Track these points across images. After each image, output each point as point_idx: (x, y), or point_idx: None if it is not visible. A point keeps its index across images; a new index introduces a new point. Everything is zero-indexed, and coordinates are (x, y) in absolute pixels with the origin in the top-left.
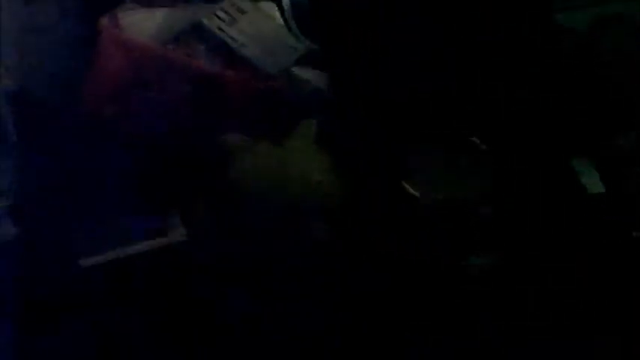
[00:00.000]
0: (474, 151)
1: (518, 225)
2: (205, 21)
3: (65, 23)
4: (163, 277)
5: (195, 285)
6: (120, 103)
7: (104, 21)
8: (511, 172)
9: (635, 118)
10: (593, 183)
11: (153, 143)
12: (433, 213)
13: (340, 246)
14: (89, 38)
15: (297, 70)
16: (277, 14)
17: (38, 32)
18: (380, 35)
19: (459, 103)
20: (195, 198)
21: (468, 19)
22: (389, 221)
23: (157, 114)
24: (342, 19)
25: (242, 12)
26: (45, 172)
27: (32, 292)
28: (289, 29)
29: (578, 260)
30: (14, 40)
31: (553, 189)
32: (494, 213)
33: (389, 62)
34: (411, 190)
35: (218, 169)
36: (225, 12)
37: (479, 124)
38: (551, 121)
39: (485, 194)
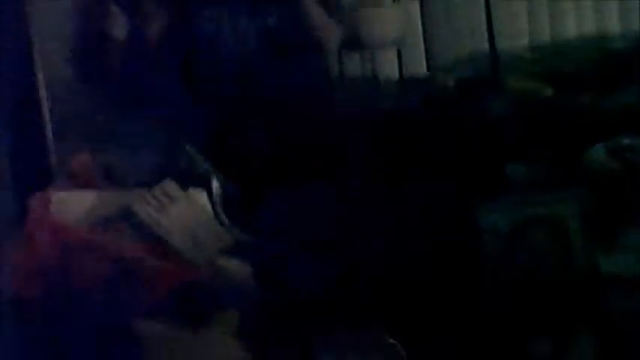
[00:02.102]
0: (390, 354)
1: None
2: (135, 206)
3: None
4: None
5: None
6: (41, 284)
7: (34, 200)
8: None
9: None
10: None
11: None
12: None
13: None
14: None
15: (222, 261)
16: (207, 203)
17: None
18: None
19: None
20: None
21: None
22: None
23: (76, 297)
24: (272, 209)
25: (172, 199)
26: None
27: None
28: (218, 218)
29: None
30: None
31: None
32: None
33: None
34: None
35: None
36: (155, 198)
37: (397, 326)
38: (465, 326)
39: None
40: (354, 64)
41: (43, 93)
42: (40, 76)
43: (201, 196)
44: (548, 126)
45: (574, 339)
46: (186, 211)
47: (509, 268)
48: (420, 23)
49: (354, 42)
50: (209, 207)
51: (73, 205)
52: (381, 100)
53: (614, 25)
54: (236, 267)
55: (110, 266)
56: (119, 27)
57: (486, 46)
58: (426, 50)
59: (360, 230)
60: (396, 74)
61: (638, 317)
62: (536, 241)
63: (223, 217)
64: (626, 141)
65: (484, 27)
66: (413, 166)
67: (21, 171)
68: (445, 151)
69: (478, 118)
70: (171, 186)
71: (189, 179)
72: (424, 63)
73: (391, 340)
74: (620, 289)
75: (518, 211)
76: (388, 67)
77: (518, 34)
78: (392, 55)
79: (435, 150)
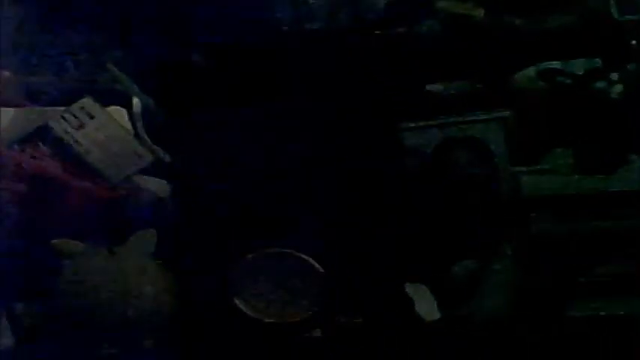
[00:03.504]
0: (306, 271)
1: (347, 349)
2: (52, 123)
3: None
4: None
5: None
6: None
7: None
8: (343, 294)
9: (472, 244)
10: (429, 309)
11: None
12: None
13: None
14: None
15: (140, 179)
16: (126, 121)
17: None
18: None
19: (293, 220)
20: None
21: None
22: (217, 337)
23: None
24: (196, 128)
25: (91, 117)
26: None
27: None
28: (137, 137)
29: None
30: None
31: (387, 314)
32: (323, 335)
33: (235, 175)
34: (243, 308)
35: (48, 273)
36: (74, 116)
37: (315, 242)
38: (387, 245)
39: (317, 316)
40: None
41: None
42: None
43: (121, 114)
44: (477, 47)
45: (494, 260)
46: (105, 129)
47: (433, 189)
48: None
49: None
50: (129, 125)
51: None
52: (312, 20)
53: None
54: (154, 186)
55: (27, 184)
56: None
57: None
58: None
59: (287, 152)
60: None
61: (559, 239)
62: (459, 162)
63: (144, 135)
64: (556, 64)
65: None
66: (341, 85)
67: None
68: (373, 71)
69: (407, 38)
70: (90, 103)
71: (110, 97)
72: None
73: (309, 259)
74: (542, 211)
75: (440, 131)
76: None
77: None
78: None
79: (364, 70)
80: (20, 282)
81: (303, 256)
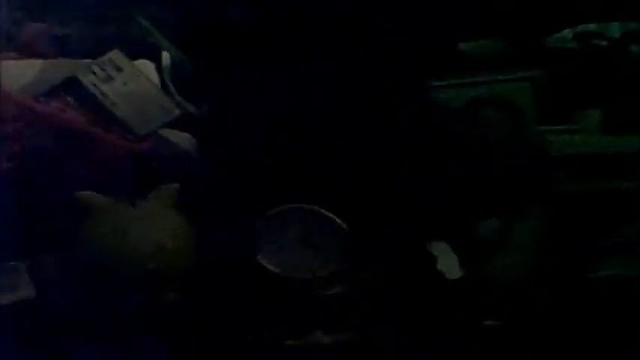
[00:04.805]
0: (330, 228)
1: (371, 306)
2: (80, 76)
3: None
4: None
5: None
6: None
7: None
8: (367, 252)
9: (497, 203)
10: (451, 267)
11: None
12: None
13: (187, 312)
14: None
15: (166, 133)
16: (155, 74)
17: None
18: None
19: (318, 176)
20: (45, 253)
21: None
22: (239, 294)
23: (18, 166)
24: (226, 81)
25: (119, 70)
26: None
27: None
28: (165, 90)
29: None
30: None
31: (409, 272)
32: (348, 292)
33: (262, 130)
34: (265, 264)
35: (72, 226)
36: (102, 68)
37: (339, 199)
38: (411, 202)
39: (339, 273)
40: None
41: None
42: None
43: (149, 68)
44: (513, 6)
45: (518, 220)
46: (133, 82)
47: (461, 146)
48: None
49: None
50: (157, 78)
51: (19, 73)
52: None
53: None
54: (180, 139)
55: (53, 136)
56: None
57: None
58: None
59: (315, 107)
60: None
61: (584, 199)
62: (489, 119)
63: (171, 89)
64: (593, 27)
65: None
66: (373, 41)
67: None
68: (407, 28)
69: None
70: (118, 56)
71: (138, 50)
72: None
73: (333, 216)
74: (568, 171)
75: (470, 90)
76: None
77: None
78: None
79: (399, 26)
80: (43, 233)
81: (327, 212)
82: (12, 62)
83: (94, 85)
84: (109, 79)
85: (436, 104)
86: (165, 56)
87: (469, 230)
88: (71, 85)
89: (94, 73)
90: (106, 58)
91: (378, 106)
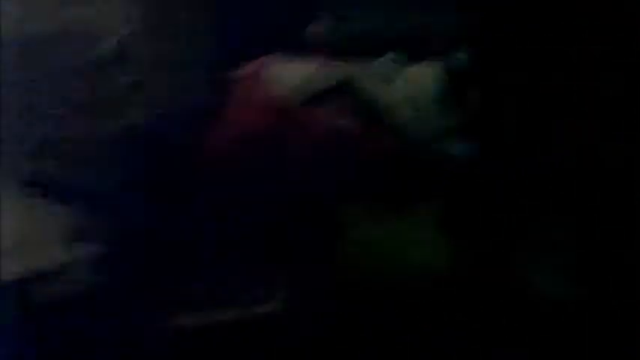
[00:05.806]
0: None
1: None
2: (356, 77)
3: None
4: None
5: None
6: (242, 157)
7: (247, 69)
8: None
9: None
10: None
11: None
12: None
13: None
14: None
15: (444, 144)
16: (435, 79)
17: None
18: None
19: None
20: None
21: None
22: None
23: (278, 176)
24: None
25: (398, 72)
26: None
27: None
28: (447, 96)
29: None
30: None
31: None
32: None
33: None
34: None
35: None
36: (380, 70)
37: None
38: None
39: None
40: None
41: None
42: None
43: (430, 71)
44: None
45: None
46: (413, 86)
47: None
48: None
49: None
50: (439, 82)
51: (290, 75)
52: None
53: None
54: (456, 150)
55: (319, 140)
56: None
57: None
58: None
59: None
60: None
61: None
62: None
63: (453, 95)
64: None
65: None
66: None
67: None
68: None
69: None
70: (397, 58)
71: (420, 52)
72: None
73: None
74: None
75: None
76: None
77: None
78: None
79: None
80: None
81: None
82: (282, 64)
83: (371, 87)
84: (387, 80)
85: None
86: (451, 60)
87: None
88: (345, 88)
89: (372, 76)
90: (384, 59)
91: None
